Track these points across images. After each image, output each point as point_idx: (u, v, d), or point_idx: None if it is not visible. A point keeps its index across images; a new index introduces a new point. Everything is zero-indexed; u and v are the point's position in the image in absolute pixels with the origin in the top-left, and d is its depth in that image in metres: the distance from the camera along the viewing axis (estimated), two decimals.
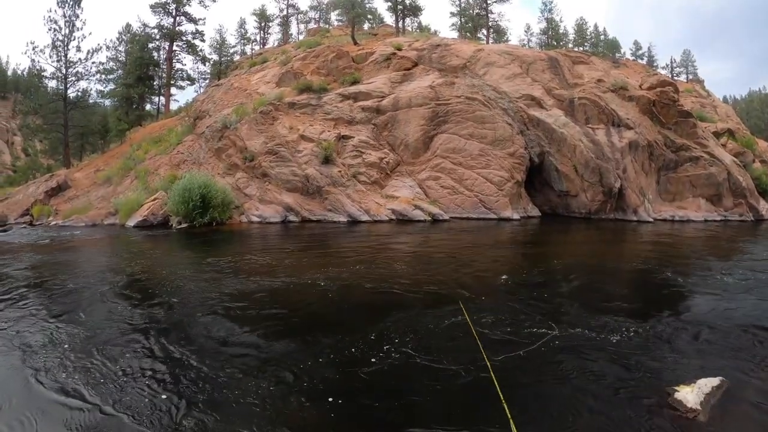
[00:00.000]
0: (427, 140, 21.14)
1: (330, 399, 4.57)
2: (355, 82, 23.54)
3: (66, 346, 6.42)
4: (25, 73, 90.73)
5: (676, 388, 4.64)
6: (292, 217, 18.58)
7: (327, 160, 19.62)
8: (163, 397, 5.14)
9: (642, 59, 62.05)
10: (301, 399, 4.62)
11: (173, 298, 8.56)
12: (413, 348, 5.68)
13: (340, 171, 19.53)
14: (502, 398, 3.08)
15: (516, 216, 19.22)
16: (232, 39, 56.57)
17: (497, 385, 3.34)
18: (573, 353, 5.63)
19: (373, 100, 22.16)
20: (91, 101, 39.64)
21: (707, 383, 4.67)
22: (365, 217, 18.34)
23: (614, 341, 6.01)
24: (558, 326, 6.39)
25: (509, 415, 2.89)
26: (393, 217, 18.48)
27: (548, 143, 20.99)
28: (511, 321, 6.64)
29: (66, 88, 35.04)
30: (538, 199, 21.53)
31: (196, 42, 42.22)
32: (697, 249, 13.53)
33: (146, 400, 5.10)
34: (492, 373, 3.59)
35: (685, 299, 7.99)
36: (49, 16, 33.65)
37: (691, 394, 4.46)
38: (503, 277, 9.28)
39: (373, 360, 5.37)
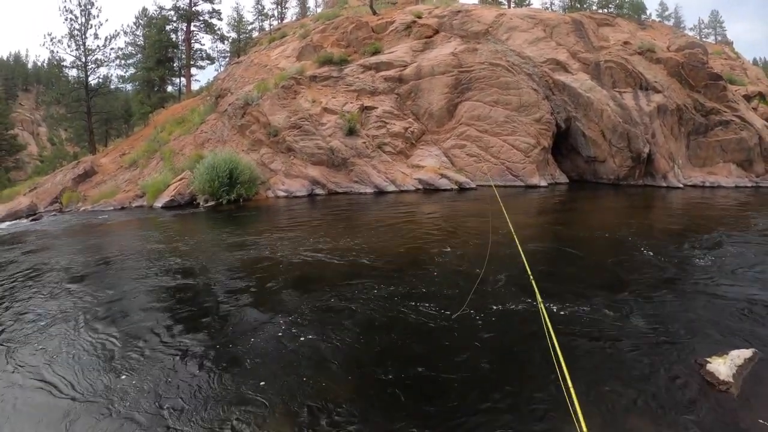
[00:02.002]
0: (451, 108, 20.79)
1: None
2: (376, 53, 23.22)
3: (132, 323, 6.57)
4: (45, 64, 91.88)
5: (708, 359, 4.58)
6: (318, 190, 18.50)
7: (351, 132, 19.45)
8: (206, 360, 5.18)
9: (669, 21, 60.33)
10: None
11: (207, 272, 8.60)
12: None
13: (364, 142, 19.35)
14: (562, 362, 2.92)
15: (543, 183, 18.87)
16: (249, 16, 56.41)
17: (556, 344, 3.16)
18: (606, 322, 5.48)
19: (395, 70, 21.83)
20: (112, 87, 39.91)
21: (739, 355, 4.60)
22: (392, 188, 18.17)
23: (647, 311, 5.84)
24: (591, 296, 6.22)
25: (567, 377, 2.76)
26: (419, 186, 18.29)
27: (574, 108, 20.48)
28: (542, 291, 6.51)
29: (87, 76, 35.16)
30: (565, 165, 21.09)
31: (214, 21, 41.98)
32: (729, 217, 13.04)
33: (189, 368, 5.13)
34: (549, 328, 3.41)
35: (717, 270, 7.72)
36: (65, 6, 33.66)
37: (723, 366, 4.42)
38: (533, 244, 9.04)
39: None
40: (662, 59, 22.17)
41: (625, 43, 23.59)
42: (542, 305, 3.89)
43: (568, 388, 2.68)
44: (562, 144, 21.17)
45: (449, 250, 9.07)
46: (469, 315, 5.82)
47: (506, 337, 5.34)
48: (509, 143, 19.61)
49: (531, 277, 4.57)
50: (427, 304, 6.23)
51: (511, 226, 5.68)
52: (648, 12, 57.24)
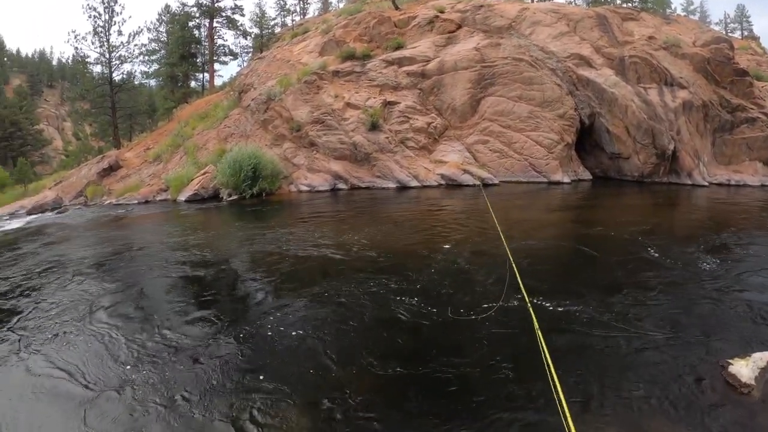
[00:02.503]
0: (474, 103, 20.68)
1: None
2: (398, 48, 23.14)
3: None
4: (69, 61, 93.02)
5: (731, 360, 4.51)
6: (341, 185, 18.55)
7: (374, 127, 19.45)
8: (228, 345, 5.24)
9: (694, 15, 59.31)
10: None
11: (227, 263, 8.73)
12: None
13: (387, 137, 19.34)
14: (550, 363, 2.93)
15: (567, 179, 18.66)
16: (271, 11, 56.51)
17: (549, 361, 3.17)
18: (622, 322, 5.42)
19: (418, 65, 21.75)
20: (136, 83, 40.37)
21: (762, 357, 4.51)
22: (414, 183, 18.15)
23: (667, 311, 5.77)
24: (612, 295, 6.16)
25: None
26: (442, 182, 18.24)
27: (599, 104, 20.22)
28: (559, 289, 6.44)
29: (111, 72, 35.62)
30: (589, 161, 20.83)
31: (236, 17, 42.28)
32: (755, 217, 12.80)
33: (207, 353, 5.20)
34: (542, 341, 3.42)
35: (742, 271, 7.58)
36: (89, 4, 34.19)
37: (745, 368, 4.33)
38: (553, 242, 8.97)
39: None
40: (687, 54, 21.81)
41: (650, 37, 23.23)
42: (530, 305, 3.86)
43: (557, 391, 2.66)
44: (586, 140, 20.92)
45: (451, 246, 9.05)
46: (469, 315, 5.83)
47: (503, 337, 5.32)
48: (532, 139, 19.46)
49: (518, 277, 4.55)
50: (439, 301, 6.26)
51: (498, 227, 5.61)
52: (673, 6, 56.20)
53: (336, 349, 5.17)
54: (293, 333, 5.62)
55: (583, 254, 8.48)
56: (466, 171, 18.40)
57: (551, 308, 5.81)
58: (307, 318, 6.03)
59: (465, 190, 17.28)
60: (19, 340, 5.88)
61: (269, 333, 5.63)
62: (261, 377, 4.69)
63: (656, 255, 8.26)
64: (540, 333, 3.38)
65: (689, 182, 18.55)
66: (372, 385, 4.48)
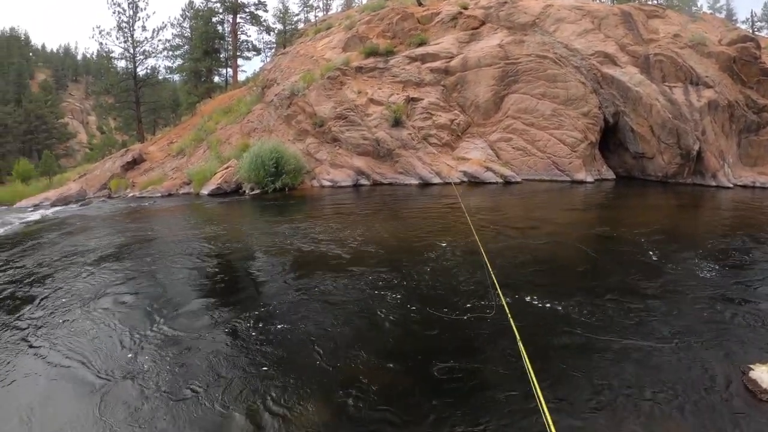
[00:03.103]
0: (497, 101, 20.58)
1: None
2: (421, 44, 23.08)
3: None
4: (94, 56, 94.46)
5: (752, 366, 4.40)
6: (363, 181, 18.60)
7: (397, 123, 19.46)
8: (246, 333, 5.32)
9: (720, 13, 58.34)
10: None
11: (246, 254, 8.82)
12: None
13: (410, 134, 19.34)
14: (533, 379, 2.91)
15: (590, 178, 18.44)
16: (295, 7, 56.72)
17: (529, 371, 3.14)
18: (646, 324, 5.36)
19: (441, 61, 21.69)
20: (160, 77, 40.85)
21: None
22: (437, 180, 18.14)
23: (688, 314, 5.68)
24: (631, 298, 6.07)
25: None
26: (465, 179, 18.19)
27: (623, 102, 19.98)
28: (574, 292, 6.40)
29: (135, 67, 36.13)
30: (612, 161, 20.60)
31: (260, 13, 42.66)
32: None
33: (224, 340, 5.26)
34: (524, 358, 3.40)
35: (765, 277, 7.37)
36: (113, 0, 34.53)
37: (766, 374, 4.25)
38: (572, 243, 8.83)
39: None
40: (713, 53, 21.46)
41: (675, 35, 22.89)
42: (507, 307, 3.80)
43: (538, 398, 2.63)
44: (610, 139, 20.69)
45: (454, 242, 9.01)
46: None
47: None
48: (556, 137, 19.31)
49: (494, 279, 4.51)
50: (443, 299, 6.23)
51: (473, 227, 5.54)
52: (699, 4, 55.47)
53: (350, 343, 5.21)
54: (307, 326, 5.69)
55: (602, 255, 8.35)
56: (488, 168, 18.32)
57: (561, 311, 5.76)
58: (319, 311, 6.09)
59: (487, 188, 17.21)
60: (38, 327, 6.02)
61: (283, 325, 5.71)
62: (273, 368, 4.75)
63: (677, 257, 8.13)
64: (517, 332, 3.36)
65: (714, 184, 18.25)
66: (388, 382, 4.50)
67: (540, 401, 2.59)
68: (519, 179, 18.15)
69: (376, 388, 4.32)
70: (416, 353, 4.97)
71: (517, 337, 3.36)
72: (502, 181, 17.87)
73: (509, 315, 3.91)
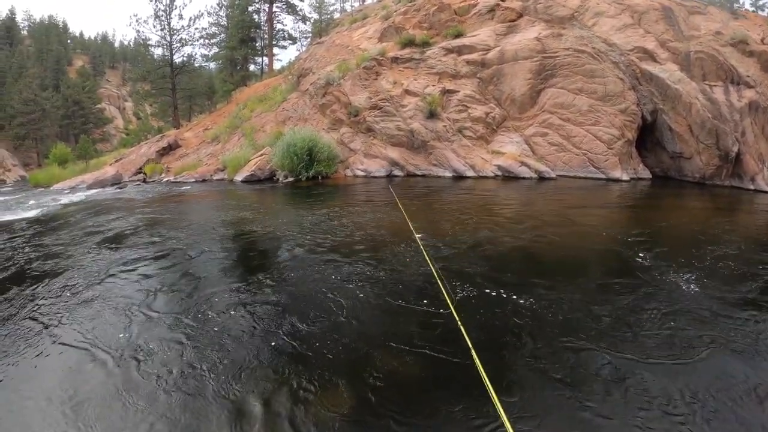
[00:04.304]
0: (534, 95, 20.36)
1: None
2: (458, 36, 22.91)
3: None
4: (131, 43, 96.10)
5: None
6: (396, 172, 18.62)
7: (432, 115, 19.42)
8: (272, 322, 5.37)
9: (762, 10, 56.93)
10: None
11: (279, 241, 8.86)
12: None
13: (445, 125, 19.28)
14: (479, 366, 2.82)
15: (625, 177, 18.12)
16: None
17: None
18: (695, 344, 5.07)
19: (478, 54, 21.51)
20: (196, 65, 41.37)
21: None
22: (470, 173, 18.06)
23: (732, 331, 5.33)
24: (680, 314, 5.76)
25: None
26: (498, 173, 18.08)
27: (662, 100, 19.56)
28: (609, 293, 6.17)
29: (171, 55, 36.66)
30: (649, 160, 20.19)
31: (296, 2, 42.90)
32: None
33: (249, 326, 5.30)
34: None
35: None
36: None
37: None
38: (602, 247, 8.48)
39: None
40: (755, 52, 20.84)
41: (717, 33, 22.29)
42: (454, 310, 3.66)
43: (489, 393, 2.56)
44: (647, 137, 20.29)
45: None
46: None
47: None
48: (592, 133, 19.03)
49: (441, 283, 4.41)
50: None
51: (411, 226, 5.34)
52: (741, 0, 54.21)
53: (375, 331, 5.15)
54: (329, 310, 5.65)
55: (634, 260, 7.69)
56: (523, 163, 18.17)
57: (575, 317, 5.49)
58: (342, 296, 6.04)
59: (521, 183, 17.05)
60: (63, 307, 6.09)
61: (305, 308, 5.69)
62: (295, 353, 4.72)
63: (712, 266, 7.45)
64: (470, 342, 3.28)
65: (752, 187, 17.73)
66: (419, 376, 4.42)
67: None
68: (553, 175, 17.95)
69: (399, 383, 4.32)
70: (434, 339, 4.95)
71: None
72: (536, 176, 17.71)
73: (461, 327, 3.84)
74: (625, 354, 4.48)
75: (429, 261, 4.64)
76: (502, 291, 5.97)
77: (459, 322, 2.54)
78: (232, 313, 5.66)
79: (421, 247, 4.83)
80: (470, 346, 2.32)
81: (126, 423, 3.73)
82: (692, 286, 6.18)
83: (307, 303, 5.88)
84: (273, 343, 4.89)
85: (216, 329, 5.23)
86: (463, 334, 2.50)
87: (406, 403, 3.84)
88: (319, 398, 3.94)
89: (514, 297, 5.77)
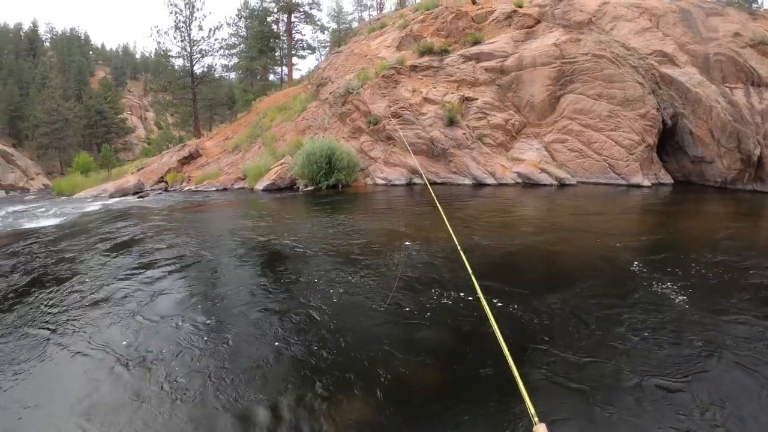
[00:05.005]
0: (553, 101, 20.34)
1: None
2: (476, 43, 22.96)
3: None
4: (152, 54, 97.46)
5: None
6: (416, 180, 18.70)
7: (451, 123, 19.50)
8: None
9: None
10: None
11: (298, 249, 9.01)
12: None
13: (464, 133, 19.34)
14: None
15: (646, 182, 17.97)
16: (349, 6, 57.35)
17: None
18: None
19: (496, 61, 21.55)
20: (216, 75, 41.96)
21: None
22: (490, 180, 18.10)
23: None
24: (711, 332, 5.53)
25: None
26: (519, 180, 18.08)
27: (682, 104, 19.39)
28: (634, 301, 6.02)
29: (192, 65, 37.23)
30: (670, 164, 20.01)
31: (314, 12, 43.35)
32: None
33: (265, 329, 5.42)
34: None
35: None
36: (170, 1, 35.67)
37: None
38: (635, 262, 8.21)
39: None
40: None
41: (736, 34, 22.00)
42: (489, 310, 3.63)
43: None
44: (668, 142, 20.12)
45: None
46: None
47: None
48: (612, 139, 18.94)
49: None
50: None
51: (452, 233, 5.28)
52: (759, 1, 53.30)
53: (397, 343, 5.13)
54: (348, 321, 5.69)
55: (656, 272, 7.33)
56: (543, 170, 18.16)
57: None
58: (361, 308, 6.06)
59: (542, 190, 17.02)
60: (79, 315, 6.25)
61: (326, 319, 5.70)
62: (315, 363, 4.74)
63: (739, 279, 7.07)
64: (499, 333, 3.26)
65: None
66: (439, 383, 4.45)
67: None
68: (574, 182, 17.92)
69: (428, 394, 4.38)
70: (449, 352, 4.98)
71: None
72: (556, 183, 17.68)
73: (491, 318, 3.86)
74: (646, 366, 4.48)
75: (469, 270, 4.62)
76: (528, 297, 6.04)
77: (497, 331, 2.59)
78: (249, 320, 5.78)
79: (462, 256, 4.81)
80: (506, 352, 2.38)
81: (135, 428, 3.85)
82: (721, 298, 6.11)
83: (332, 308, 5.98)
84: (288, 351, 4.99)
85: (232, 336, 5.35)
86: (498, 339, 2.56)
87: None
88: (342, 406, 4.02)
89: (539, 304, 5.83)
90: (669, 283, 6.48)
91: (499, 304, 5.80)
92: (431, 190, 6.93)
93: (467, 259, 3.86)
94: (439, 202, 5.74)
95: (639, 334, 5.06)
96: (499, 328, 2.66)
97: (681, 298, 6.00)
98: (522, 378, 2.31)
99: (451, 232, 4.94)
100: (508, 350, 2.50)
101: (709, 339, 4.93)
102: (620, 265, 7.46)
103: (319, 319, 5.69)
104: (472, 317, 5.52)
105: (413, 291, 6.44)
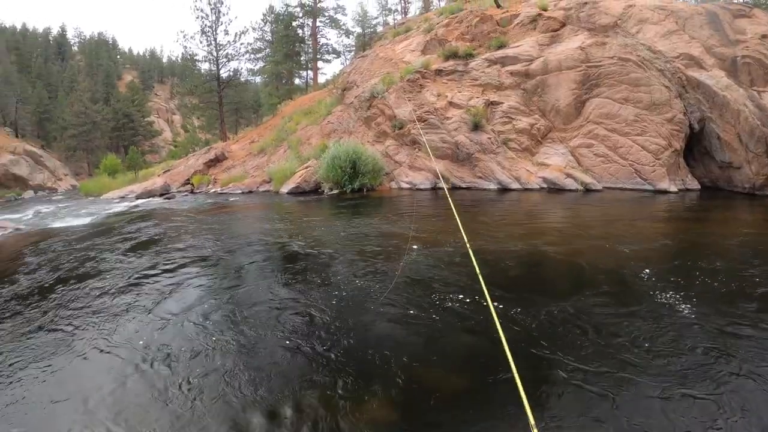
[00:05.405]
0: (578, 105, 20.24)
1: None
2: (501, 47, 22.97)
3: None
4: (178, 59, 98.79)
5: None
6: (441, 184, 18.71)
7: (476, 127, 19.55)
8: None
9: None
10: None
11: (320, 250, 9.19)
12: None
13: (489, 137, 19.37)
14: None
15: (673, 188, 17.73)
16: (373, 10, 57.49)
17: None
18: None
19: (521, 64, 21.53)
20: (242, 79, 42.41)
21: None
22: (515, 185, 18.09)
23: None
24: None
25: None
26: (544, 185, 18.05)
27: (709, 108, 19.12)
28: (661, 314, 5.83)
29: (218, 69, 37.77)
30: (697, 170, 19.68)
31: (339, 16, 43.68)
32: None
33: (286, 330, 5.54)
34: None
35: None
36: (196, 6, 36.51)
37: None
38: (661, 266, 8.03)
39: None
40: None
41: (764, 36, 21.58)
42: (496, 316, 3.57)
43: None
44: (695, 147, 19.83)
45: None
46: None
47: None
48: (638, 144, 18.77)
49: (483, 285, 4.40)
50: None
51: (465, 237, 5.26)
52: None
53: (421, 348, 5.17)
54: (369, 324, 5.77)
55: (679, 276, 7.24)
56: (569, 175, 18.09)
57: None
58: (384, 311, 6.10)
59: (567, 195, 16.92)
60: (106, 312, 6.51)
61: (348, 323, 5.76)
62: (337, 367, 4.81)
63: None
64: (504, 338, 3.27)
65: None
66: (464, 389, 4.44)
67: None
68: (599, 187, 17.81)
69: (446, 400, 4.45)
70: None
71: None
72: (582, 188, 17.59)
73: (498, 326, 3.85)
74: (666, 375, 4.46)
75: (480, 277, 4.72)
76: (545, 302, 6.10)
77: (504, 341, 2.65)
78: (267, 319, 5.96)
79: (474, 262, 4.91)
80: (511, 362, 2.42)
81: (161, 424, 4.00)
82: (747, 306, 6.08)
83: (345, 309, 6.16)
84: (306, 349, 5.13)
85: (251, 334, 5.54)
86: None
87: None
88: (361, 405, 4.11)
89: (556, 310, 5.87)
90: (704, 294, 6.41)
91: (517, 310, 5.87)
92: (449, 195, 7.02)
93: (481, 265, 3.92)
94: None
95: (653, 346, 5.06)
96: (505, 336, 2.71)
97: (715, 308, 5.96)
98: (525, 393, 2.36)
99: (466, 239, 5.03)
100: (514, 363, 2.55)
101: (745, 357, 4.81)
102: (649, 274, 7.39)
103: (334, 319, 5.84)
104: (481, 324, 5.58)
105: (412, 293, 6.60)
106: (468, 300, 6.23)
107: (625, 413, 3.87)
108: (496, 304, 5.82)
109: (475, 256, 4.34)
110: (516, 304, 6.03)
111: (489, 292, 3.41)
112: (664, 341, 5.06)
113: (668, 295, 6.32)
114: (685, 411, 3.88)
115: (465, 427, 3.80)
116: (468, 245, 4.88)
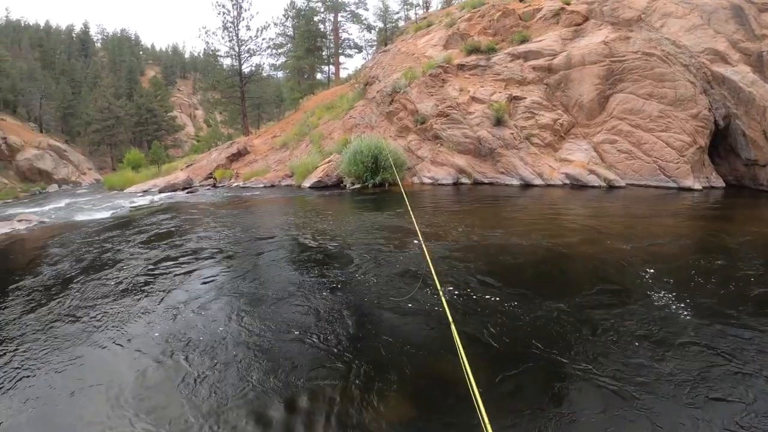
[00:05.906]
0: (602, 100, 20.06)
1: None
2: (523, 41, 22.82)
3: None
4: (201, 54, 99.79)
5: None
6: (463, 179, 18.82)
7: (499, 122, 19.52)
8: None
9: None
10: None
11: (341, 244, 9.27)
12: None
13: (512, 133, 19.33)
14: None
15: (698, 186, 17.46)
16: (395, 5, 57.33)
17: None
18: None
19: (544, 59, 21.39)
20: (264, 74, 42.72)
21: None
22: (538, 181, 18.05)
23: None
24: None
25: None
26: (567, 181, 17.96)
27: (734, 104, 18.79)
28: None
29: (240, 65, 38.05)
30: (722, 167, 19.36)
31: (360, 11, 43.80)
32: None
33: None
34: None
35: None
36: (218, 2, 36.59)
37: None
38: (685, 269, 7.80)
39: None
40: None
41: None
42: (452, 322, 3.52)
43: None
44: (720, 144, 19.53)
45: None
46: None
47: None
48: (663, 140, 18.54)
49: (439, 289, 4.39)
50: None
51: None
52: None
53: (439, 343, 5.14)
54: (386, 319, 5.80)
55: (703, 278, 7.01)
56: (592, 171, 17.99)
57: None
58: (399, 307, 6.10)
59: (590, 192, 16.79)
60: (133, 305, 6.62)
61: (369, 322, 5.78)
62: (353, 360, 4.84)
63: None
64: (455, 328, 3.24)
65: None
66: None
67: None
68: (623, 183, 17.67)
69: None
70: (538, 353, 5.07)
71: None
72: (605, 185, 17.46)
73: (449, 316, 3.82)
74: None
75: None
76: (557, 304, 5.99)
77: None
78: (284, 312, 6.07)
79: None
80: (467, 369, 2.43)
81: (171, 411, 4.10)
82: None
83: (363, 305, 6.22)
84: (321, 343, 5.20)
85: (268, 326, 5.65)
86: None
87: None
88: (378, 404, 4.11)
89: (575, 312, 5.80)
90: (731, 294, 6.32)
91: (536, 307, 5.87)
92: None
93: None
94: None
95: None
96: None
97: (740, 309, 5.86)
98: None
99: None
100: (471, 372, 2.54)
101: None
102: (672, 276, 7.29)
103: (350, 313, 5.92)
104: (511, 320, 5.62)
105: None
106: (498, 298, 6.19)
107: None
108: (516, 303, 5.87)
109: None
110: (534, 301, 6.04)
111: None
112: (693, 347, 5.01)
113: (697, 300, 6.14)
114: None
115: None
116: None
